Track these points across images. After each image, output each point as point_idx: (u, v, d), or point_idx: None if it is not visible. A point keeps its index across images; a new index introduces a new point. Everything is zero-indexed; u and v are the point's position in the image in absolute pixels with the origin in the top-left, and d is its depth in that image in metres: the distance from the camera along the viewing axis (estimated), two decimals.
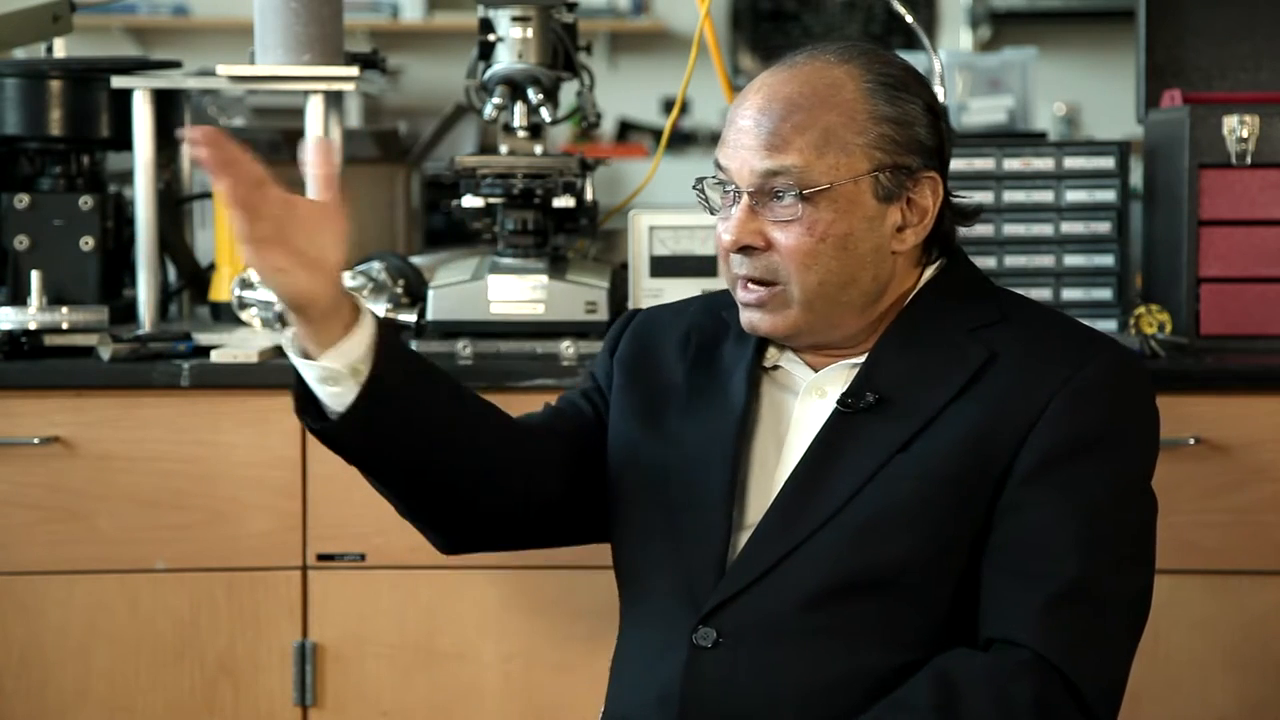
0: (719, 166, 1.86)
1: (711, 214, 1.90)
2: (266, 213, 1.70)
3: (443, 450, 1.86)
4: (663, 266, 2.57)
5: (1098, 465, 1.78)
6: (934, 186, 1.86)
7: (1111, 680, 1.77)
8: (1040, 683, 1.71)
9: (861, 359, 1.87)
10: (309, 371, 1.78)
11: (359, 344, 1.76)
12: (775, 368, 1.92)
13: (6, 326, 2.56)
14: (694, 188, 1.90)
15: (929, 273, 1.90)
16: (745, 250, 1.83)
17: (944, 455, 1.78)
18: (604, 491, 1.95)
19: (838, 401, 1.84)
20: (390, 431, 1.80)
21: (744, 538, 1.84)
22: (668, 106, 6.69)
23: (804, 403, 1.88)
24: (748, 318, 1.87)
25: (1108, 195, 2.70)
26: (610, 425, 1.97)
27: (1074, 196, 2.70)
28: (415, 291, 2.69)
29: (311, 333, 1.76)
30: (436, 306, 2.59)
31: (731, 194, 1.85)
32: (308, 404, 1.81)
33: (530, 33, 2.64)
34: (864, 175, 1.82)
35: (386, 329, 1.77)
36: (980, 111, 3.09)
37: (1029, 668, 1.72)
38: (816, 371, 1.89)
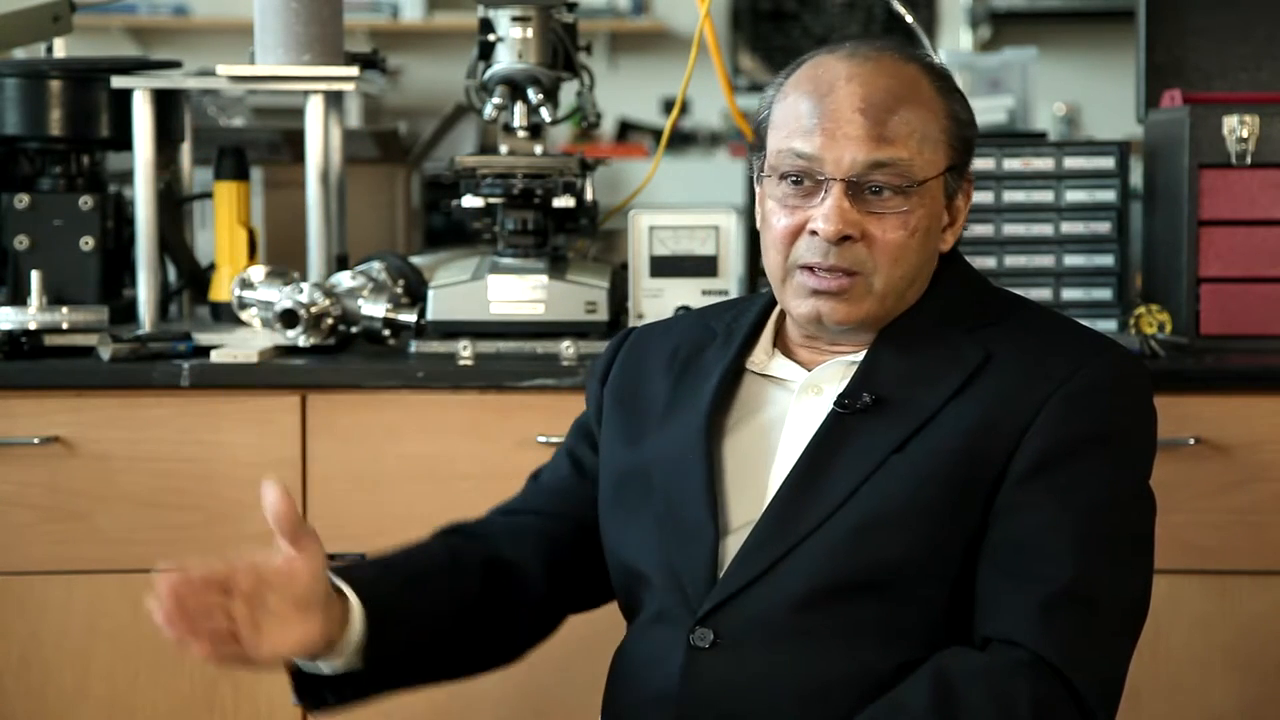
0: (799, 155, 1.82)
1: (760, 187, 1.88)
2: (245, 620, 1.68)
3: (454, 637, 1.90)
4: (663, 266, 2.57)
5: (1095, 466, 1.78)
6: (969, 191, 1.89)
7: (1110, 680, 1.77)
8: (1039, 683, 1.71)
9: (856, 356, 1.87)
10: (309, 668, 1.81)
11: (354, 638, 1.78)
12: (766, 375, 1.92)
13: (6, 326, 2.56)
14: (755, 157, 1.87)
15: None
16: (840, 241, 1.81)
17: (940, 456, 1.78)
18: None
19: (835, 402, 1.84)
20: (400, 673, 1.85)
21: (733, 537, 1.83)
22: (668, 106, 6.69)
23: (800, 401, 1.88)
24: (815, 306, 1.83)
25: (1108, 195, 2.70)
26: (600, 452, 1.98)
27: (1074, 196, 2.70)
28: (415, 291, 2.69)
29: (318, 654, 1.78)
30: (436, 306, 2.59)
31: (814, 182, 1.81)
32: (304, 687, 1.85)
33: (530, 33, 2.64)
34: (943, 173, 1.83)
35: (369, 593, 1.77)
36: (980, 111, 3.07)
37: (1027, 667, 1.72)
38: (809, 370, 1.89)
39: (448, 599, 1.88)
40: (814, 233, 1.81)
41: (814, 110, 1.82)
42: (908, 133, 1.80)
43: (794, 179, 1.83)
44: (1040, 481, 1.77)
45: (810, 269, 1.83)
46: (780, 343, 1.94)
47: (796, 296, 1.85)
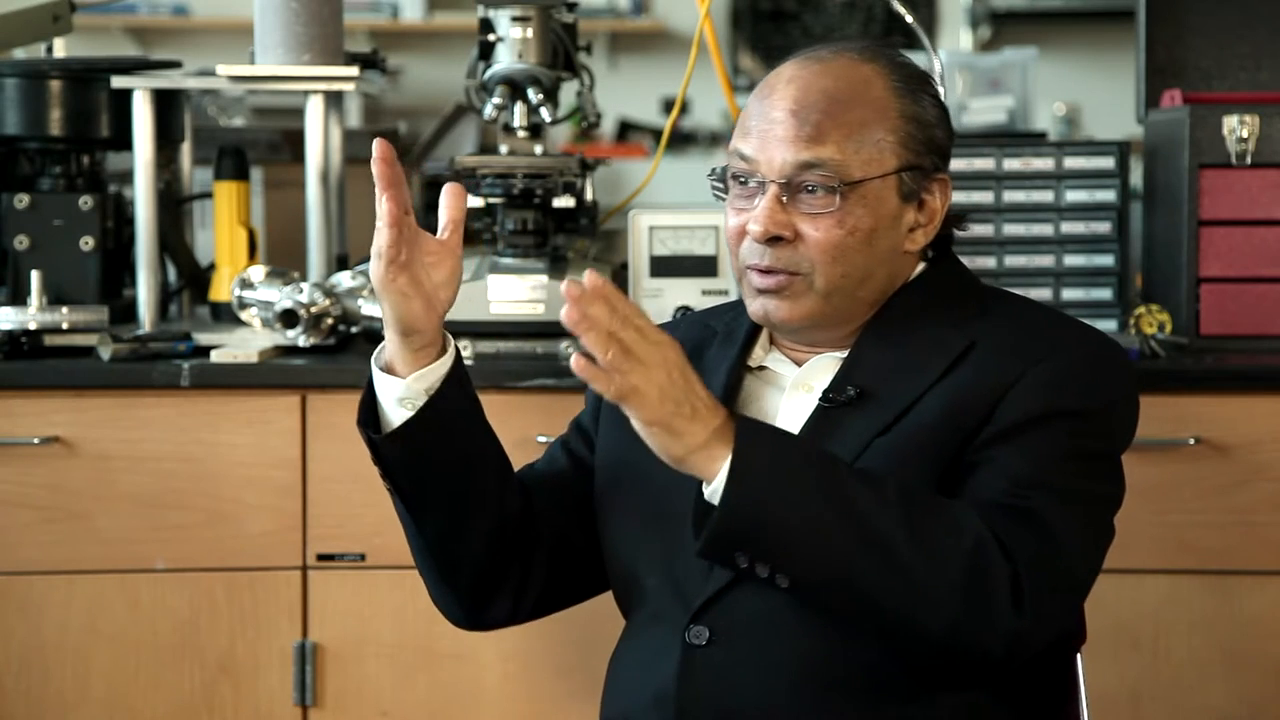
0: (741, 156, 1.85)
1: (720, 200, 1.90)
2: (407, 238, 1.80)
3: (473, 485, 1.90)
4: (663, 266, 2.57)
5: (1063, 436, 1.78)
6: (944, 188, 1.88)
7: (1052, 585, 1.73)
8: (987, 541, 1.70)
9: (844, 352, 1.88)
10: (389, 388, 1.85)
11: (438, 372, 1.84)
12: (761, 368, 1.93)
13: (6, 326, 2.56)
14: (711, 175, 1.90)
15: (918, 270, 1.91)
16: (771, 241, 1.83)
17: (922, 434, 1.79)
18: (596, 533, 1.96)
19: (820, 397, 1.85)
20: (434, 455, 1.86)
21: None
22: (668, 106, 6.69)
23: (790, 398, 1.89)
24: (761, 305, 1.86)
25: (1108, 195, 2.70)
26: (597, 451, 1.98)
27: (1074, 196, 2.70)
28: None
29: (406, 357, 1.84)
30: None
31: (756, 184, 1.84)
32: (369, 417, 1.88)
33: (530, 33, 2.64)
34: (892, 173, 1.83)
35: (461, 365, 1.87)
36: (980, 111, 3.10)
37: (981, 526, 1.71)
38: (801, 367, 1.89)
39: (493, 456, 1.92)
40: (749, 234, 1.85)
41: (756, 113, 1.86)
42: (842, 134, 1.81)
43: (741, 180, 1.86)
44: (1009, 442, 1.77)
45: (756, 269, 1.85)
46: (775, 339, 1.95)
47: (747, 296, 1.88)
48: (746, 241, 1.85)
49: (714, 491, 1.68)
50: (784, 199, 1.82)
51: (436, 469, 1.87)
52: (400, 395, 1.84)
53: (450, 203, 1.85)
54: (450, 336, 1.87)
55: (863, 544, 1.68)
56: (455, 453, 1.87)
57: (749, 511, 1.67)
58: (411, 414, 1.83)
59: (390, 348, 1.85)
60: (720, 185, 1.90)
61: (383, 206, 1.77)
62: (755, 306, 1.87)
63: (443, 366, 1.84)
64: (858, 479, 1.71)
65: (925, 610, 1.69)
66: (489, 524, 1.91)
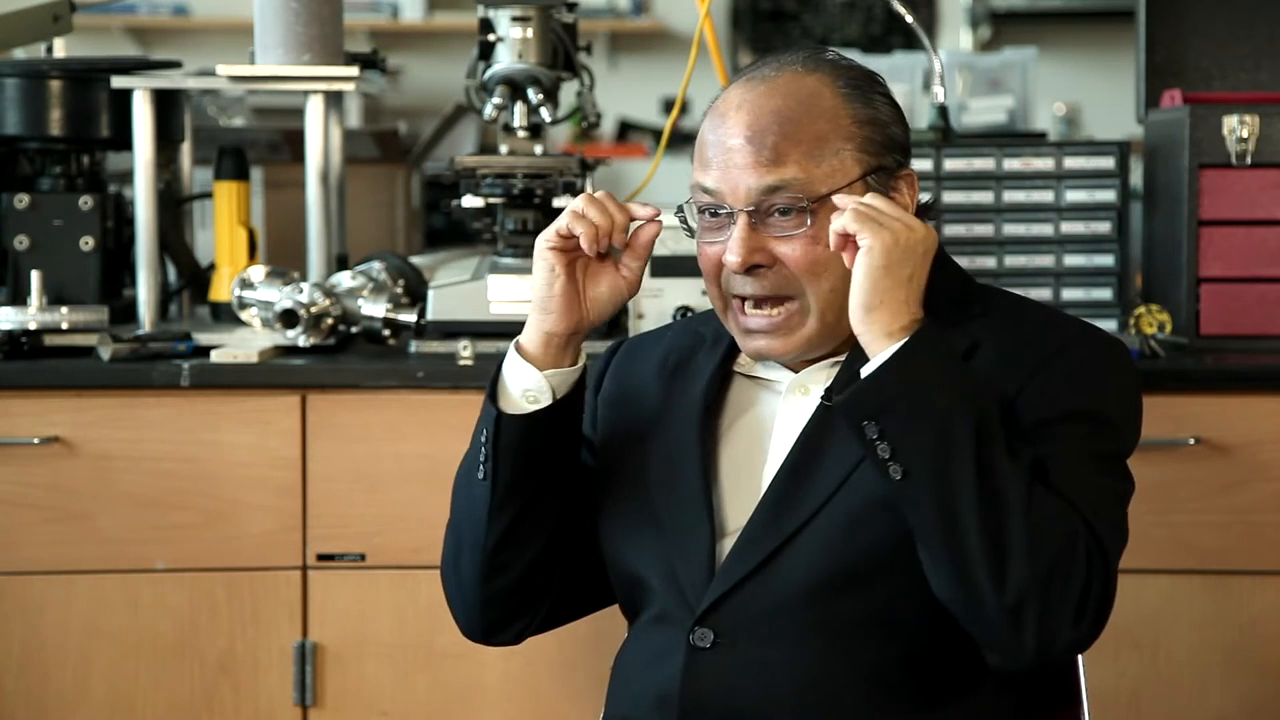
0: (704, 190, 1.84)
1: (690, 237, 1.89)
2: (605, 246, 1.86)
3: (554, 497, 1.91)
4: (663, 266, 2.57)
5: (1077, 438, 1.78)
6: (910, 183, 1.88)
7: (1106, 603, 1.74)
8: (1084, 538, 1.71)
9: (841, 356, 1.87)
10: (519, 375, 1.88)
11: (570, 379, 1.88)
12: (753, 376, 1.92)
13: (6, 326, 2.56)
14: (677, 214, 1.89)
15: None
16: (751, 270, 1.82)
17: None
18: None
19: (821, 397, 1.84)
20: (542, 453, 1.89)
21: (730, 538, 1.84)
22: (668, 106, 6.70)
23: (787, 402, 1.88)
24: (755, 345, 1.85)
25: (1108, 195, 2.70)
26: (597, 461, 1.98)
27: (1074, 196, 2.70)
28: (415, 291, 2.69)
29: (544, 351, 1.87)
30: (436, 306, 2.59)
31: (724, 215, 1.83)
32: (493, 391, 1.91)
33: (530, 33, 2.64)
34: (857, 180, 1.82)
35: (584, 381, 1.91)
36: (980, 111, 3.10)
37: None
38: (796, 371, 1.89)
39: (575, 487, 1.94)
40: (726, 265, 1.84)
41: (711, 143, 1.84)
42: (801, 151, 1.80)
43: (710, 212, 1.85)
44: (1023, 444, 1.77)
45: (743, 302, 1.84)
46: None
47: (739, 335, 1.88)
48: (726, 272, 1.84)
49: (876, 360, 1.70)
50: (755, 226, 1.81)
51: (537, 466, 1.88)
52: (527, 386, 1.86)
53: (640, 241, 1.88)
54: (582, 353, 1.90)
55: (981, 479, 1.68)
56: (558, 459, 1.89)
57: (901, 388, 1.69)
58: (537, 408, 1.86)
59: (531, 335, 1.87)
60: (685, 225, 1.89)
61: (641, 218, 1.87)
62: (750, 347, 1.86)
63: (575, 374, 1.87)
64: (1003, 432, 1.71)
65: (1001, 577, 1.68)
66: (544, 542, 1.91)
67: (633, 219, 1.86)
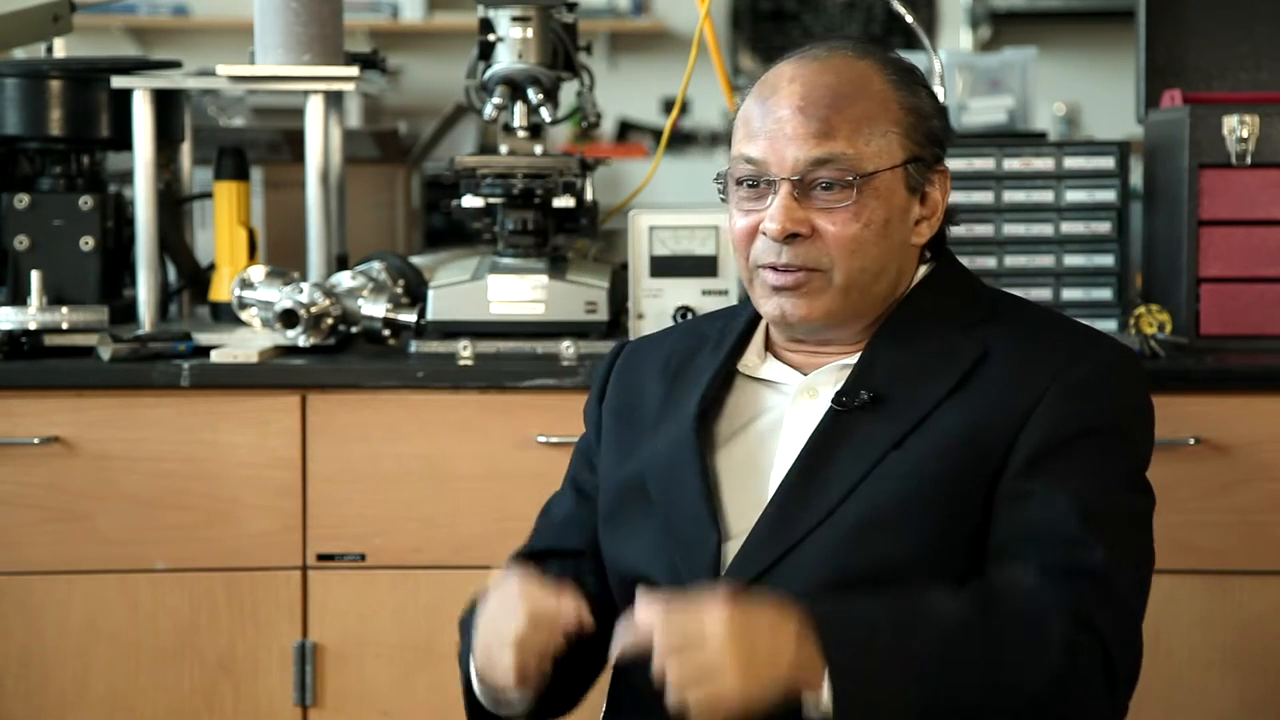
0: (747, 160, 1.84)
1: (724, 202, 1.90)
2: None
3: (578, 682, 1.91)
4: (663, 266, 2.57)
5: (1093, 456, 1.78)
6: (944, 180, 1.89)
7: (1134, 649, 1.75)
8: (1074, 626, 1.70)
9: (852, 359, 1.87)
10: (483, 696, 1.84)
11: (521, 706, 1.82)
12: (758, 379, 1.91)
13: (6, 326, 2.56)
14: (716, 180, 1.89)
15: (922, 271, 1.91)
16: (787, 239, 1.82)
17: (938, 452, 1.78)
18: None
19: (832, 401, 1.84)
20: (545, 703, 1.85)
21: (735, 542, 1.83)
22: (668, 106, 6.69)
23: (796, 404, 1.88)
24: (778, 304, 1.85)
25: (1108, 195, 2.70)
26: (600, 471, 1.98)
27: (1074, 196, 2.70)
28: (415, 291, 2.69)
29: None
30: (436, 306, 2.59)
31: (765, 184, 1.84)
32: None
33: (530, 33, 2.64)
34: (901, 165, 1.84)
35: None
36: (980, 111, 3.09)
37: (1058, 612, 1.70)
38: (805, 374, 1.89)
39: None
40: (765, 233, 1.83)
41: (759, 114, 1.85)
42: (851, 128, 1.82)
43: (749, 183, 1.85)
44: (1041, 470, 1.77)
45: (771, 268, 1.84)
46: (772, 346, 1.94)
47: (762, 296, 1.87)
48: (759, 241, 1.84)
49: (822, 706, 1.65)
50: (796, 195, 1.82)
51: (548, 702, 1.85)
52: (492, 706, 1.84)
53: (619, 640, 1.69)
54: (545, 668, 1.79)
55: (952, 681, 1.67)
56: (562, 691, 1.85)
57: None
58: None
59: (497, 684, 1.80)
60: (723, 191, 1.89)
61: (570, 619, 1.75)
62: (771, 306, 1.86)
63: (523, 703, 1.81)
64: (937, 629, 1.68)
65: (1030, 712, 1.69)
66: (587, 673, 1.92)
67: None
